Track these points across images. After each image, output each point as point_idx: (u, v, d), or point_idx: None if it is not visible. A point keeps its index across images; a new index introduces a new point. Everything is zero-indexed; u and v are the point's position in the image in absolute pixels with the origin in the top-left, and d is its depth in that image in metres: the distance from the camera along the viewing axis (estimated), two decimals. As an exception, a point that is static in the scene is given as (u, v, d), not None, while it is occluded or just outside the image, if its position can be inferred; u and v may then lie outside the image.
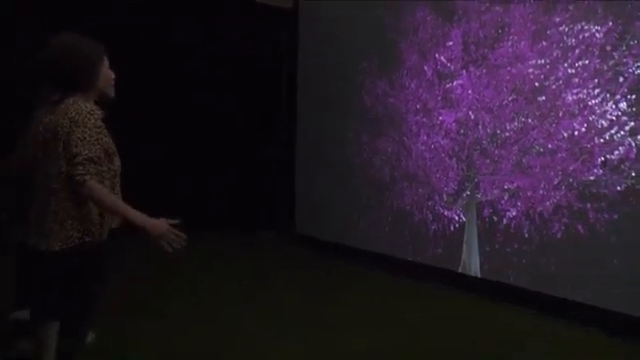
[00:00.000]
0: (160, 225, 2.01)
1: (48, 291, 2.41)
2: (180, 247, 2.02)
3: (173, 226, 2.04)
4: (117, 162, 2.18)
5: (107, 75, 2.21)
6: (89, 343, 2.79)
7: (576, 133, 4.07)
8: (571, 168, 4.09)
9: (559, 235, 4.14)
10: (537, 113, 4.32)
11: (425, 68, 5.32)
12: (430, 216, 5.22)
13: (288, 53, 7.40)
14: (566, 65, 4.14)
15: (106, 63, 2.21)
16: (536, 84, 4.34)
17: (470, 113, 4.87)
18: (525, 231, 4.37)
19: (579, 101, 4.05)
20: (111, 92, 2.24)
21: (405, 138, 5.53)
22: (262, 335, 3.68)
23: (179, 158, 7.33)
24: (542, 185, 4.28)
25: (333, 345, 3.55)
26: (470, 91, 4.88)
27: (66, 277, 2.11)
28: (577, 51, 4.07)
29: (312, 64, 6.89)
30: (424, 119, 5.33)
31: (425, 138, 5.31)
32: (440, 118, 5.16)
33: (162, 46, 6.86)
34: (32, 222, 2.12)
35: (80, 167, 2.00)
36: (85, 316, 2.18)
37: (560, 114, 4.18)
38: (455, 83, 5.01)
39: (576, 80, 4.08)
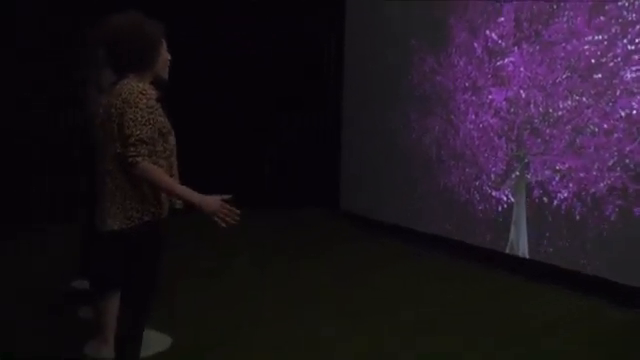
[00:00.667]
0: (214, 202, 2.06)
1: (108, 268, 2.51)
2: (234, 222, 2.08)
3: (226, 201, 2.09)
4: (172, 141, 2.19)
5: (164, 57, 2.21)
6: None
7: (634, 112, 3.92)
8: (628, 149, 3.95)
9: (612, 218, 4.03)
10: (592, 91, 4.18)
11: (475, 45, 5.21)
12: (477, 196, 5.16)
13: (335, 31, 7.35)
14: (625, 41, 3.97)
15: (164, 44, 2.20)
16: (592, 61, 4.18)
17: (521, 91, 4.75)
18: (576, 213, 4.27)
19: (638, 79, 3.89)
20: (165, 74, 2.24)
21: (453, 117, 5.45)
22: (301, 313, 3.77)
23: (224, 133, 7.45)
24: (596, 166, 4.15)
25: (379, 319, 3.60)
26: (522, 69, 4.75)
27: (126, 255, 2.17)
28: (637, 27, 3.89)
29: (359, 41, 6.83)
30: (473, 97, 5.23)
31: (473, 117, 5.22)
32: (490, 97, 5.05)
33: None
34: (97, 203, 2.20)
35: (132, 148, 2.03)
36: (146, 293, 2.24)
37: (617, 92, 4.03)
38: (506, 60, 4.89)
39: (635, 57, 3.91)
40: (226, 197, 2.09)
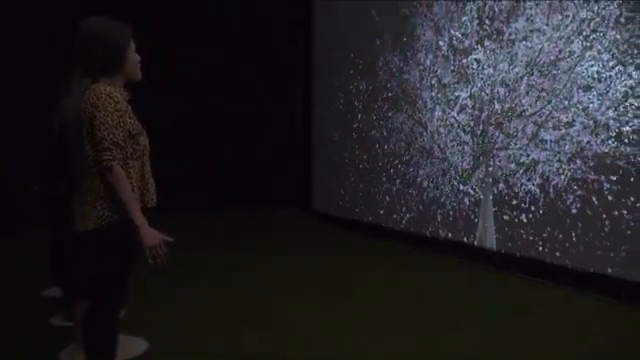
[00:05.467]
0: (155, 237, 2.10)
1: (84, 268, 2.51)
2: (160, 263, 2.09)
3: (166, 243, 2.11)
4: (143, 142, 2.22)
5: (133, 59, 2.23)
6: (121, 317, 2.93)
7: (591, 106, 4.08)
8: (585, 141, 4.11)
9: (574, 208, 4.19)
10: (552, 87, 4.34)
11: (440, 43, 5.33)
12: (446, 191, 5.29)
13: (303, 31, 7.42)
14: (581, 38, 4.13)
15: (133, 46, 2.22)
16: (551, 57, 4.34)
17: (485, 88, 4.89)
18: (540, 204, 4.42)
19: (593, 74, 4.06)
20: (138, 75, 2.26)
21: (420, 114, 5.57)
22: (282, 307, 3.81)
23: (201, 136, 7.46)
24: (557, 158, 4.31)
25: (351, 313, 3.67)
26: (485, 66, 4.89)
27: (100, 254, 2.19)
28: (592, 24, 4.06)
29: (327, 42, 6.91)
30: (439, 95, 5.36)
31: (440, 114, 5.35)
32: (455, 93, 5.18)
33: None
34: (70, 206, 2.21)
35: (108, 152, 2.06)
36: (119, 291, 2.26)
37: (575, 87, 4.19)
38: (470, 58, 5.02)
39: (591, 53, 4.07)
40: (168, 239, 2.13)
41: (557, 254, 4.31)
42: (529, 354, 3.06)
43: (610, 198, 3.95)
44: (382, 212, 6.04)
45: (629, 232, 3.83)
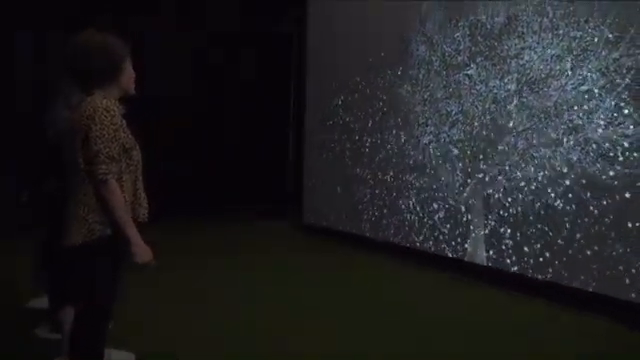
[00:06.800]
0: (146, 254, 2.13)
1: (71, 279, 2.49)
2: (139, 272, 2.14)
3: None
4: (136, 156, 2.22)
5: (129, 73, 2.24)
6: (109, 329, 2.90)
7: (580, 123, 4.12)
8: (575, 158, 4.15)
9: (564, 225, 4.21)
10: (543, 104, 4.38)
11: (433, 59, 5.38)
12: (437, 206, 5.30)
13: (296, 46, 7.45)
14: (572, 57, 4.18)
15: (129, 61, 2.24)
16: (542, 75, 4.39)
17: (477, 104, 4.93)
18: (531, 221, 4.44)
19: (583, 92, 4.10)
20: (132, 90, 2.27)
21: (412, 128, 5.59)
22: (269, 324, 3.79)
23: (187, 147, 7.44)
24: (547, 175, 4.34)
25: (338, 329, 3.65)
26: (477, 82, 4.93)
27: (89, 267, 2.18)
28: (583, 43, 4.11)
29: (319, 57, 6.94)
30: (431, 109, 5.39)
31: (432, 128, 5.38)
32: (447, 109, 5.22)
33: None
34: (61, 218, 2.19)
35: (103, 166, 2.05)
36: (105, 305, 2.25)
37: (565, 105, 4.23)
38: (462, 74, 5.07)
39: (580, 72, 4.12)
40: (153, 261, 2.15)
41: (549, 270, 4.33)
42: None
43: (600, 216, 3.98)
44: (373, 226, 6.03)
45: (620, 250, 3.86)
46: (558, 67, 4.27)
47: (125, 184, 2.16)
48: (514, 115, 4.60)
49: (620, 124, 3.89)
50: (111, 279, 2.21)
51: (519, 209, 4.53)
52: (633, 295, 3.78)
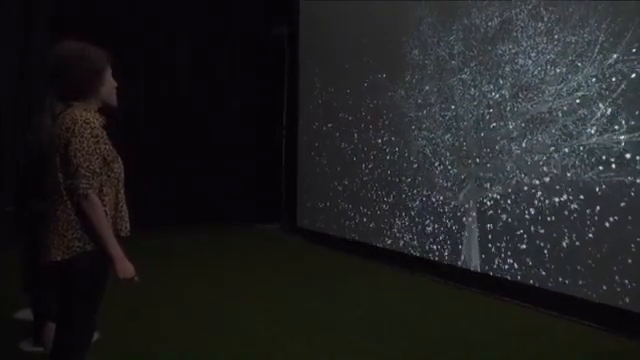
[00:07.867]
0: (129, 271, 2.08)
1: (51, 296, 2.43)
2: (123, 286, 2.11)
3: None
4: (117, 169, 2.15)
5: (110, 84, 2.17)
6: (93, 342, 2.84)
7: (574, 130, 4.08)
8: (570, 164, 4.11)
9: (559, 232, 4.17)
10: (537, 109, 4.33)
11: (426, 62, 5.32)
12: (431, 211, 5.25)
13: (289, 50, 7.39)
14: (567, 62, 4.14)
15: (109, 71, 2.17)
16: (536, 81, 4.34)
17: (471, 109, 4.88)
18: (526, 226, 4.39)
19: (576, 98, 4.06)
20: (113, 101, 2.20)
21: (405, 133, 5.54)
22: (258, 327, 3.74)
23: (183, 150, 7.37)
24: (542, 181, 4.29)
25: (331, 335, 3.60)
26: (471, 86, 4.88)
27: (66, 286, 2.12)
28: (578, 48, 4.07)
29: (313, 60, 6.88)
30: (425, 114, 5.33)
31: (426, 133, 5.33)
32: (441, 113, 5.17)
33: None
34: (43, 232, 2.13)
35: (84, 180, 2.00)
36: (87, 320, 2.19)
37: (559, 111, 4.19)
38: (456, 78, 5.01)
39: (574, 77, 4.08)
40: (136, 279, 2.11)
41: (542, 275, 4.28)
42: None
43: (596, 223, 3.94)
44: (368, 231, 5.98)
45: (618, 258, 3.82)
46: (553, 72, 4.23)
47: (106, 197, 2.09)
48: (508, 120, 4.56)
49: (615, 130, 3.84)
50: (90, 296, 2.14)
51: (513, 215, 4.49)
52: (630, 303, 3.74)
